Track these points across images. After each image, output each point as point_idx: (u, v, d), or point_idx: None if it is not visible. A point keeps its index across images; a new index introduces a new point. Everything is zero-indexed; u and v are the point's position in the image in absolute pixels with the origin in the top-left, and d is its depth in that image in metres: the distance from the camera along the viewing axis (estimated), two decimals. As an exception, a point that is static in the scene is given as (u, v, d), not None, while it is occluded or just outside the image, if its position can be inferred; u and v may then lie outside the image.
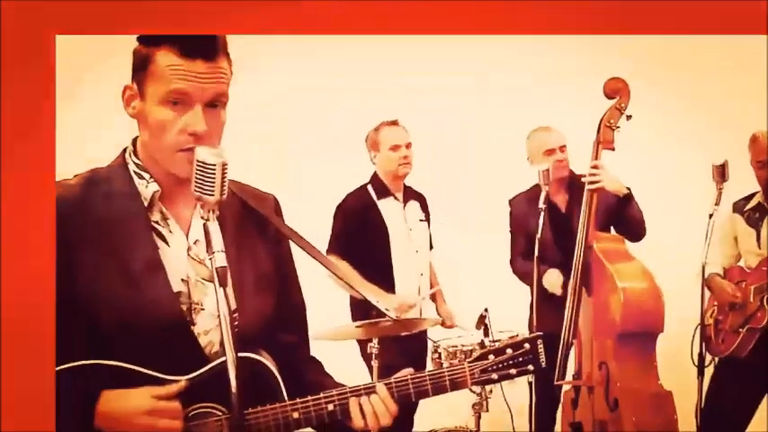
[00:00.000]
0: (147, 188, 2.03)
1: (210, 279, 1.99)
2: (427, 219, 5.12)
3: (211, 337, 2.04)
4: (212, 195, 1.85)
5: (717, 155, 4.37)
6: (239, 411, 1.82)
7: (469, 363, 2.13)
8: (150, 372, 1.95)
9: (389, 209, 4.96)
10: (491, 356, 2.14)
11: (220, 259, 1.82)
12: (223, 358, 1.92)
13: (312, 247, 2.20)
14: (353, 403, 2.05)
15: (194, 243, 2.06)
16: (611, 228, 4.68)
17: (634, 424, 4.17)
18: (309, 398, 2.04)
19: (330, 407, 2.04)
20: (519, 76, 6.05)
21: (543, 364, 2.16)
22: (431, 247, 5.14)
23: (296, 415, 2.02)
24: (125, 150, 2.09)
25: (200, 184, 1.85)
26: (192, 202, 2.01)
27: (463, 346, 4.46)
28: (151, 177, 2.03)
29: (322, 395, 2.05)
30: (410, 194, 5.07)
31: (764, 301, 4.33)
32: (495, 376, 2.14)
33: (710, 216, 4.33)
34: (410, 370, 2.13)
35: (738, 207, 4.67)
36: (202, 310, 2.03)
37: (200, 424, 1.98)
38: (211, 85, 1.94)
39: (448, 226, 5.62)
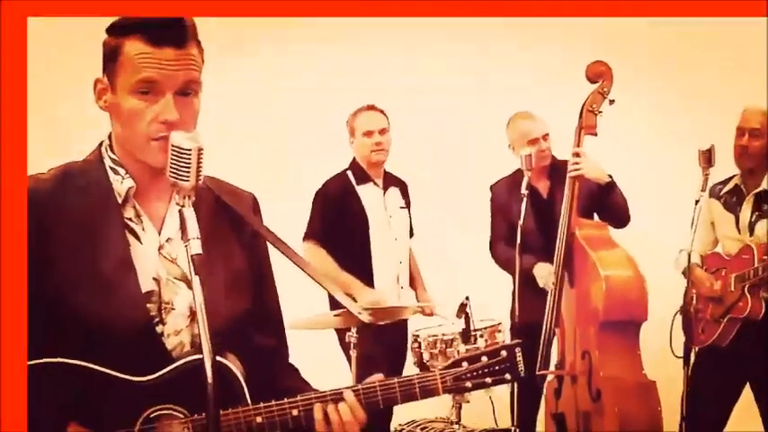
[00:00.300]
0: (122, 184, 1.99)
1: (182, 278, 2.01)
2: (408, 206, 5.03)
3: (182, 337, 2.00)
4: (187, 181, 1.79)
5: (702, 140, 4.31)
6: (215, 407, 1.73)
7: (441, 370, 2.08)
8: (116, 373, 1.91)
9: (369, 195, 4.87)
10: (465, 364, 2.08)
11: (195, 246, 1.77)
12: (187, 358, 1.93)
13: (289, 248, 2.15)
14: (318, 410, 2.00)
15: (167, 241, 2.02)
16: (595, 214, 4.61)
17: (617, 414, 4.13)
18: (273, 402, 1.99)
19: (294, 412, 2.00)
20: (507, 66, 5.97)
21: (522, 372, 2.10)
22: (411, 235, 5.05)
23: (259, 419, 1.98)
24: (101, 144, 2.05)
25: (176, 169, 1.79)
26: (167, 198, 2.00)
27: (444, 335, 4.40)
28: (126, 173, 1.99)
29: (286, 400, 2.00)
30: (390, 181, 4.98)
31: (746, 289, 4.25)
32: (468, 384, 2.08)
33: (697, 202, 4.28)
34: (380, 376, 2.08)
35: (715, 192, 4.57)
36: (173, 309, 1.99)
37: (163, 425, 1.93)
38: (181, 72, 1.90)
39: (431, 213, 5.55)
